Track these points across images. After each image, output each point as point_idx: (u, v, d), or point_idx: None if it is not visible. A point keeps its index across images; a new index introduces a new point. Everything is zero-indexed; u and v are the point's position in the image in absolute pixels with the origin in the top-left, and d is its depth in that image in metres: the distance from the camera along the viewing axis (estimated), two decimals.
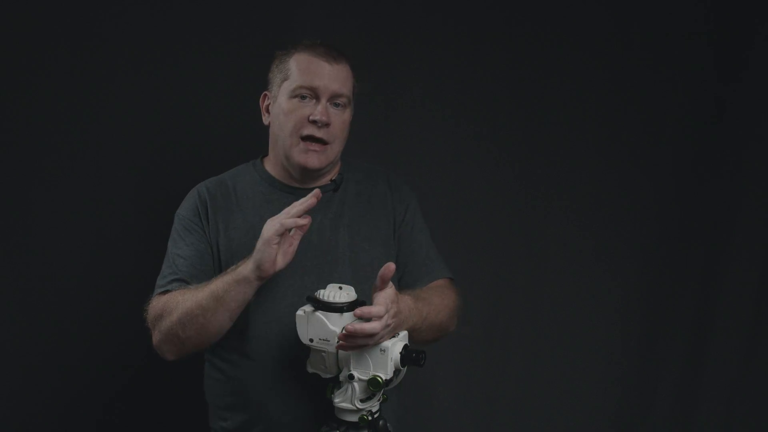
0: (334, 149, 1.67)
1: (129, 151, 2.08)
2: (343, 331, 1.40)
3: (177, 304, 1.56)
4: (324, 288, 1.48)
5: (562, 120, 2.47)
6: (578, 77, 2.46)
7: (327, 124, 1.63)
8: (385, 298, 1.43)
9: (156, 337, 1.60)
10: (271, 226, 1.48)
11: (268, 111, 1.71)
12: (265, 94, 1.72)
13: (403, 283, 1.74)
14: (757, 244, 2.55)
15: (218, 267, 1.65)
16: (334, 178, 1.74)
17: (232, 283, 1.51)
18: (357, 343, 1.42)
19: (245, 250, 1.62)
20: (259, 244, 1.49)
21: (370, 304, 1.48)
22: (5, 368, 2.01)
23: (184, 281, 1.62)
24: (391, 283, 1.45)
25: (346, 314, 1.43)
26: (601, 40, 2.46)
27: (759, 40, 2.48)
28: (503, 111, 2.43)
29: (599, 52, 2.46)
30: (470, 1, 2.36)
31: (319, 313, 1.44)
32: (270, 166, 1.74)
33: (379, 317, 1.40)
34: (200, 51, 2.11)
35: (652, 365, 2.59)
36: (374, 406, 1.50)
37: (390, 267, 1.42)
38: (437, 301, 1.65)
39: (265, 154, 1.76)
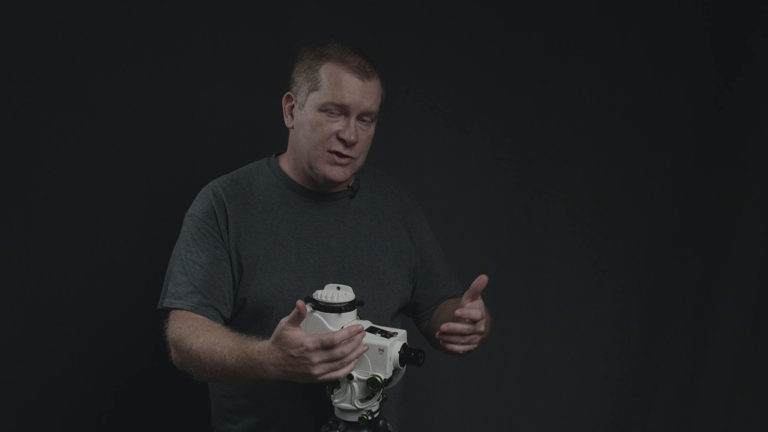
0: (359, 162, 1.65)
1: (129, 151, 2.07)
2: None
3: (197, 353, 1.49)
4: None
5: (562, 120, 2.47)
6: (578, 78, 2.46)
7: (354, 143, 1.61)
8: (480, 305, 1.52)
9: (175, 359, 1.56)
10: (297, 371, 1.37)
11: (291, 114, 1.66)
12: (289, 95, 1.66)
13: (416, 293, 1.77)
14: (757, 244, 2.55)
15: (238, 270, 1.61)
16: (350, 184, 1.72)
17: (250, 371, 1.44)
18: (461, 337, 1.52)
19: (265, 253, 1.61)
20: (279, 373, 1.40)
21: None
22: (5, 368, 2.01)
23: (201, 294, 1.57)
24: (480, 297, 1.52)
25: (344, 314, 1.43)
26: (601, 41, 2.46)
27: (759, 40, 2.49)
28: (503, 111, 2.43)
29: (599, 53, 2.46)
30: (470, 1, 2.36)
31: (317, 314, 1.43)
32: (287, 167, 1.70)
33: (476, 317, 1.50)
34: (200, 50, 2.10)
35: (652, 365, 2.59)
36: (374, 405, 1.49)
37: (483, 279, 1.50)
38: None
39: (279, 152, 1.74)
